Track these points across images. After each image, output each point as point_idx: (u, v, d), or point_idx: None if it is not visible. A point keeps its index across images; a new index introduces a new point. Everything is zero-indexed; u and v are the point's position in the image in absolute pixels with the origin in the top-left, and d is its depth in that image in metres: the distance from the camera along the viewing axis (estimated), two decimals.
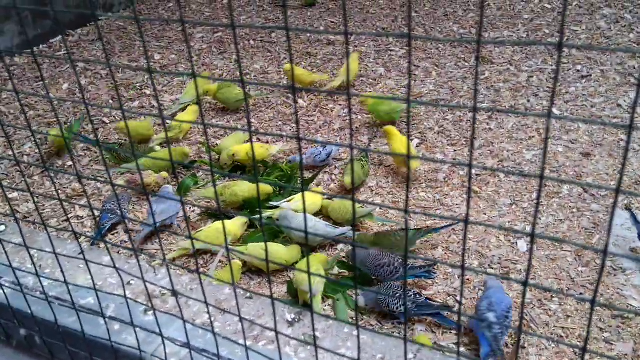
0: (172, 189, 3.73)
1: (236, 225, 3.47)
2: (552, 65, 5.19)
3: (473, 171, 4.00)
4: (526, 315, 2.98)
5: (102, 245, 3.40)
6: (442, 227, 3.43)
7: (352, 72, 5.04)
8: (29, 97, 5.09)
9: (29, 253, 1.49)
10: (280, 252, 3.25)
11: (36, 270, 1.59)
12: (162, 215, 3.46)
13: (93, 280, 1.39)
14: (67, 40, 6.13)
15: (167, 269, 1.51)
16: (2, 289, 1.62)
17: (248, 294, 1.83)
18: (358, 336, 1.15)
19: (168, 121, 4.70)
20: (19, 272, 1.65)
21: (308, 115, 4.72)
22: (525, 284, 0.84)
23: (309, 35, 6.01)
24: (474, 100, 0.79)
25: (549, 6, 6.24)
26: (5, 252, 1.72)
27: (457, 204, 3.72)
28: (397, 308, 2.92)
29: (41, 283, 1.57)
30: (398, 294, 2.94)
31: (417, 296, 2.95)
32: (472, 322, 2.85)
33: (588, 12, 6.04)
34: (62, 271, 1.44)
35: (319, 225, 3.42)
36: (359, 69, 5.23)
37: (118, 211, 3.49)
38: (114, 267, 1.32)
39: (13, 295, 1.69)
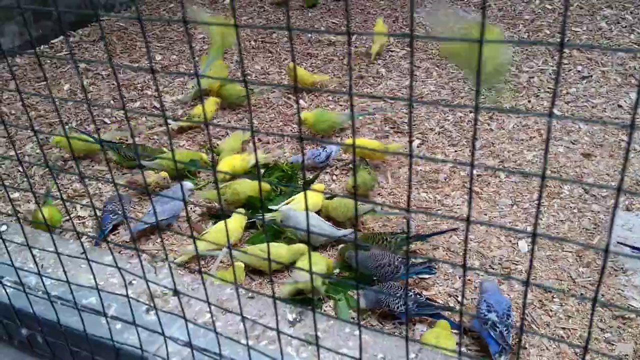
0: (188, 185, 3.71)
1: (237, 223, 3.48)
2: (552, 66, 5.20)
3: (474, 171, 3.99)
4: (527, 315, 2.98)
5: (104, 245, 3.40)
6: (430, 235, 3.40)
7: (382, 40, 5.44)
8: (30, 97, 5.09)
9: (31, 253, 1.49)
10: (281, 251, 3.26)
11: (38, 269, 1.60)
12: (159, 215, 3.45)
13: (95, 280, 1.40)
14: (68, 41, 6.14)
15: (170, 269, 1.52)
16: (4, 289, 1.63)
17: (250, 294, 1.83)
18: (360, 335, 1.15)
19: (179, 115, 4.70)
20: (20, 271, 1.66)
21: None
22: (526, 283, 0.84)
23: (309, 35, 6.01)
24: (475, 100, 0.79)
25: (550, 7, 6.24)
26: (8, 252, 1.72)
27: (457, 205, 3.72)
28: (398, 307, 2.92)
29: (43, 282, 1.58)
30: (399, 294, 2.95)
31: (418, 296, 2.97)
32: (475, 324, 2.86)
33: (589, 13, 6.04)
34: (64, 271, 1.44)
35: (322, 225, 3.43)
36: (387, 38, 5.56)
37: (119, 212, 3.49)
38: (116, 266, 1.33)
39: (15, 295, 1.69)
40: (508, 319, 2.76)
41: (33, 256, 1.51)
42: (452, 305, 3.05)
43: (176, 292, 1.42)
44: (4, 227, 2.17)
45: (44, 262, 2.00)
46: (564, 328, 2.93)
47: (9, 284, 1.70)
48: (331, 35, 5.88)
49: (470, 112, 4.61)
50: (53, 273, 1.94)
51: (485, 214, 3.65)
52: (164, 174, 3.93)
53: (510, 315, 2.80)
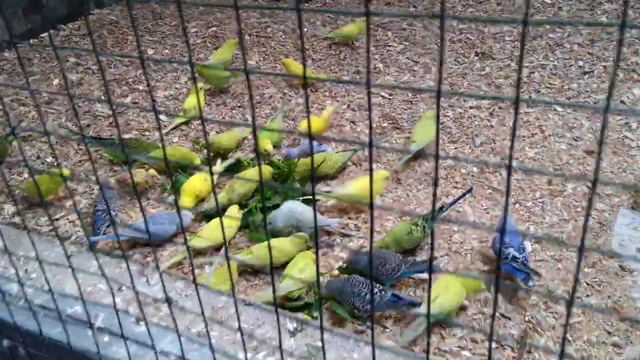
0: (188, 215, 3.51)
1: (230, 220, 3.38)
2: (553, 61, 5.10)
3: (474, 169, 3.91)
4: (532, 318, 2.89)
5: (98, 245, 3.30)
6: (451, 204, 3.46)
7: None
8: (19, 92, 4.97)
9: (10, 259, 1.38)
10: (285, 246, 3.16)
11: (19, 277, 1.49)
12: (152, 236, 3.29)
13: (80, 290, 1.29)
14: (59, 35, 5.99)
15: (160, 277, 1.41)
16: None
17: (247, 300, 1.73)
18: (373, 347, 1.05)
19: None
20: (1, 279, 1.54)
21: (306, 112, 4.61)
22: (570, 303, 0.73)
23: (305, 29, 5.90)
24: (516, 91, 0.68)
25: (549, 1, 6.14)
26: None
27: (459, 202, 3.62)
28: (363, 306, 2.80)
29: (24, 291, 1.47)
30: (363, 293, 2.82)
31: (383, 292, 2.83)
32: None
33: (589, 8, 5.94)
34: (46, 279, 1.33)
35: (307, 213, 3.38)
36: None
37: (112, 211, 3.38)
38: (103, 275, 1.22)
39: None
40: (523, 251, 2.99)
41: (12, 262, 1.39)
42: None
43: (168, 301, 1.31)
44: None
45: (28, 267, 1.89)
46: (569, 330, 2.83)
47: None
48: (327, 29, 5.77)
49: (470, 108, 4.51)
50: (38, 278, 1.82)
51: (487, 212, 3.55)
52: (152, 172, 3.80)
53: (524, 248, 3.02)
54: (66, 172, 3.65)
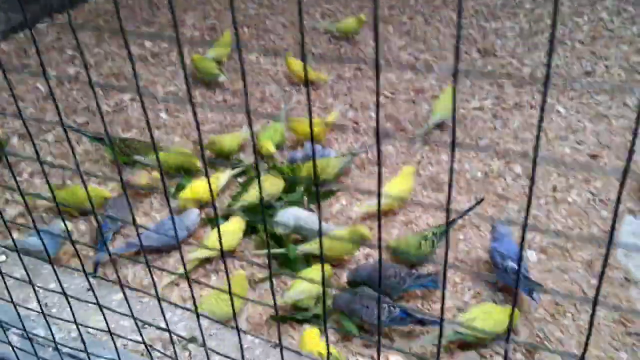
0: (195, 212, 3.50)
1: (236, 226, 3.36)
2: (556, 60, 5.07)
3: (478, 174, 3.90)
4: (539, 331, 2.91)
5: (110, 273, 3.25)
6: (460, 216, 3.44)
7: None
8: (17, 87, 4.89)
9: (43, 313, 1.36)
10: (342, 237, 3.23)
11: (47, 321, 1.47)
12: (157, 240, 3.26)
13: (116, 349, 1.27)
14: (53, 24, 5.89)
15: (197, 317, 1.40)
16: (12, 347, 1.49)
17: (272, 341, 1.72)
18: None
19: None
20: (27, 321, 1.52)
21: (307, 112, 4.57)
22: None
23: (304, 23, 5.82)
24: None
25: None
26: (11, 297, 1.59)
27: (464, 209, 3.61)
28: (373, 319, 2.81)
29: (53, 337, 1.45)
30: (371, 306, 2.82)
31: (392, 308, 2.84)
32: (499, 277, 3.03)
33: (589, 3, 5.91)
34: (80, 335, 1.32)
35: (313, 220, 3.38)
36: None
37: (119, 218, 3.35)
38: (142, 341, 1.20)
39: (24, 347, 1.56)
40: (521, 260, 2.85)
41: (45, 318, 1.37)
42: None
43: (203, 344, 1.30)
44: (2, 257, 2.04)
45: (47, 300, 1.87)
46: (578, 344, 2.86)
47: (16, 338, 1.57)
48: (326, 22, 5.71)
49: (474, 109, 4.49)
50: (58, 313, 1.81)
51: (493, 220, 3.56)
52: (156, 175, 3.77)
53: (521, 257, 2.87)
54: (107, 193, 3.59)
